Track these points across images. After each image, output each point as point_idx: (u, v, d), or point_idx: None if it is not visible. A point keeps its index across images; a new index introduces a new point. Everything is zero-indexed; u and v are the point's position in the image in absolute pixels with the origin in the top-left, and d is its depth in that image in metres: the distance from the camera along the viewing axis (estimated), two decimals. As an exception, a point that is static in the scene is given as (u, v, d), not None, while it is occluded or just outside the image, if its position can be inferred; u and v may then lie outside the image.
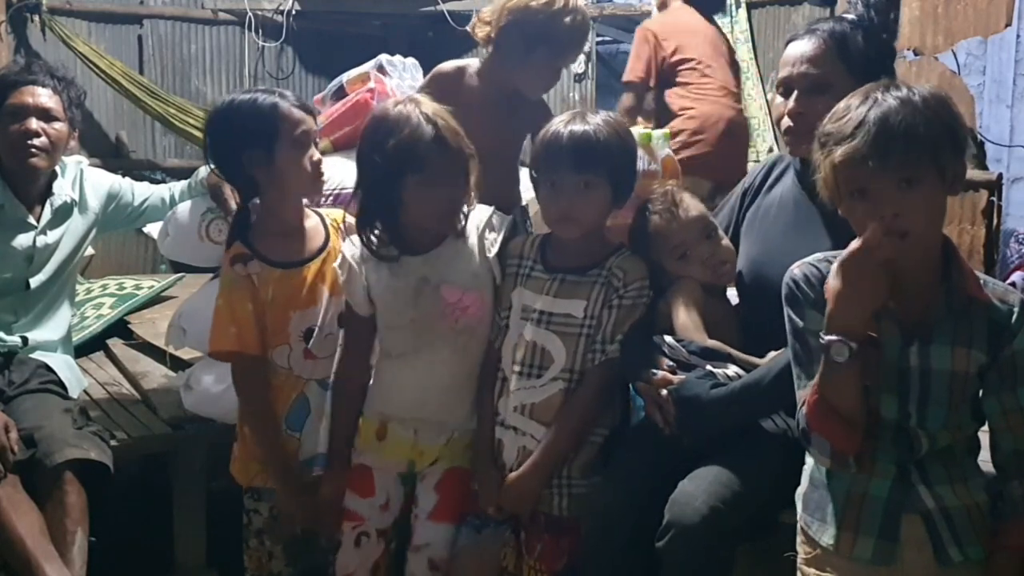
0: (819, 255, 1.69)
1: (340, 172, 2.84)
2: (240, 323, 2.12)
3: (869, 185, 1.51)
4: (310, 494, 2.14)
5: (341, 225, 2.23)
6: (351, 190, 2.76)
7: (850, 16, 2.07)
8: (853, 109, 1.52)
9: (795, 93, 1.99)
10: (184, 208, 2.68)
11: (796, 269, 1.68)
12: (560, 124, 2.04)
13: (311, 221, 2.22)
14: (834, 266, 1.56)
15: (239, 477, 2.26)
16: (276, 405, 2.17)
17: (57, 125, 2.64)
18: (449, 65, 2.44)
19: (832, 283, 1.56)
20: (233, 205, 2.53)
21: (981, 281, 1.62)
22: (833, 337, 1.53)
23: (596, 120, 2.03)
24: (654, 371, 1.98)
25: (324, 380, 2.20)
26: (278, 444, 2.16)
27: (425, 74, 2.69)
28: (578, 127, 2.01)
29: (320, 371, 2.19)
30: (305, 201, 2.28)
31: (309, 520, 2.17)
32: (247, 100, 2.12)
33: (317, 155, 2.14)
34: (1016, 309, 1.59)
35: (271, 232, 2.17)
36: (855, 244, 1.52)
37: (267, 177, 2.11)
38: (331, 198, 2.79)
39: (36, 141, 2.59)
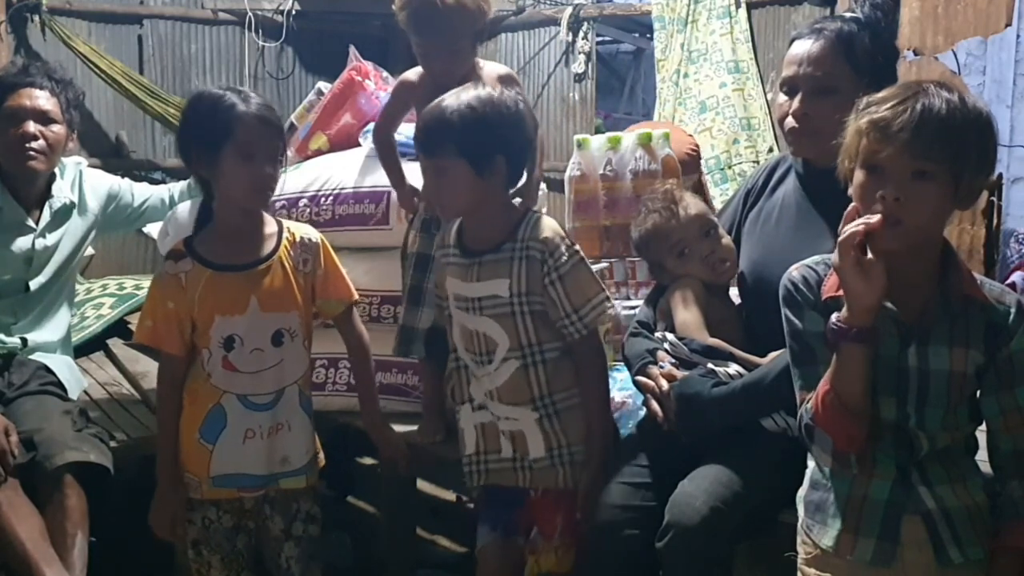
0: (817, 257, 1.69)
1: (339, 172, 2.84)
2: (157, 319, 2.09)
3: (885, 163, 1.51)
4: (178, 510, 2.14)
5: (296, 241, 2.15)
6: (351, 190, 2.77)
7: (857, 16, 2.05)
8: (901, 91, 1.53)
9: (800, 94, 1.98)
10: (184, 208, 2.68)
11: (794, 271, 1.69)
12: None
13: (268, 229, 2.15)
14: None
15: None
16: (192, 409, 2.11)
17: (55, 127, 2.64)
18: (408, 73, 2.51)
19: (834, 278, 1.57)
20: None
21: (978, 282, 1.62)
22: (836, 320, 1.54)
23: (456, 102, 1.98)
24: (656, 366, 1.98)
25: (248, 397, 2.09)
26: (168, 448, 2.12)
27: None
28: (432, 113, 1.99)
29: (242, 386, 2.08)
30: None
31: (160, 532, 2.17)
32: (213, 95, 2.06)
33: (268, 170, 2.05)
34: (1013, 310, 1.59)
35: (216, 233, 2.12)
36: (842, 238, 1.52)
37: (212, 178, 2.07)
38: (330, 198, 2.80)
39: (34, 144, 2.58)
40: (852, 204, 1.55)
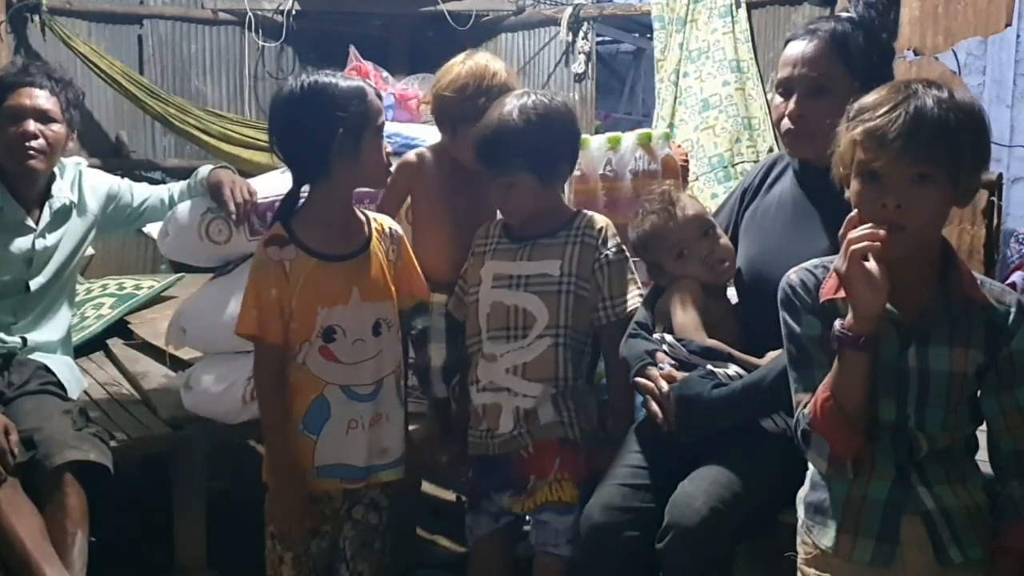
0: (816, 260, 1.69)
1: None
2: (262, 307, 2.04)
3: (883, 170, 1.50)
4: (303, 503, 2.07)
5: (385, 231, 2.17)
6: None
7: (851, 15, 2.05)
8: (889, 94, 1.52)
9: (795, 95, 1.99)
10: (184, 208, 2.67)
11: (793, 275, 1.68)
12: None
13: (357, 219, 2.15)
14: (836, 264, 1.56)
15: (264, 475, 2.14)
16: (294, 402, 2.07)
17: (55, 127, 2.63)
18: (410, 154, 2.52)
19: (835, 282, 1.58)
20: (233, 206, 2.53)
21: (979, 282, 1.62)
22: (840, 328, 1.54)
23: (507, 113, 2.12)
24: (656, 367, 1.99)
25: (351, 387, 2.08)
26: (280, 441, 2.07)
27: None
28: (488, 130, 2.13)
29: (343, 377, 2.07)
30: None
31: (283, 528, 2.09)
32: (334, 83, 2.03)
33: (389, 147, 2.12)
34: (1013, 310, 1.59)
35: (315, 221, 2.08)
36: (847, 245, 1.52)
37: (346, 163, 2.02)
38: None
39: (34, 143, 2.58)
40: (854, 212, 1.55)
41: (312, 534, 2.12)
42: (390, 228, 2.20)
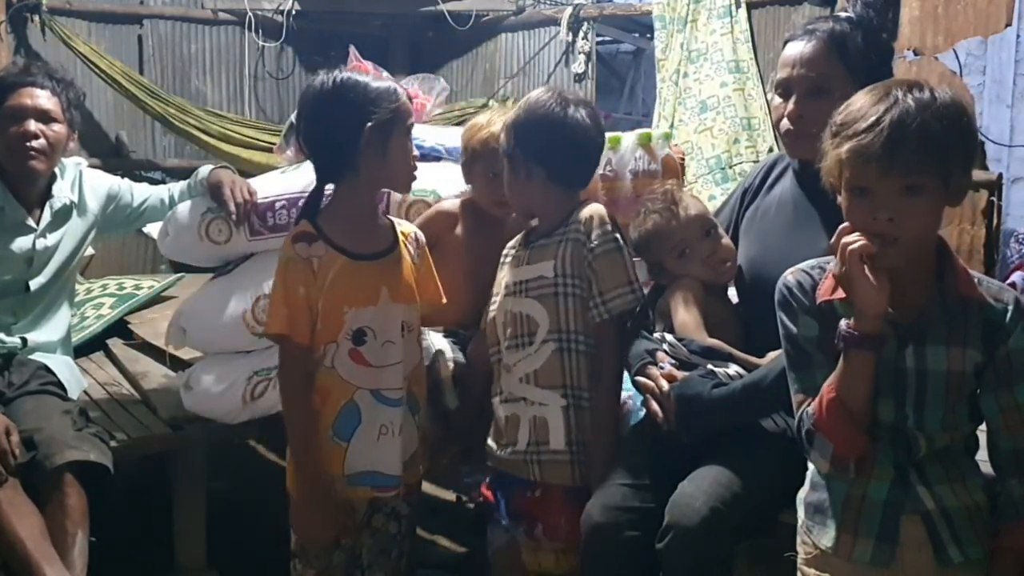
0: (812, 261, 1.69)
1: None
2: (292, 305, 1.98)
3: (872, 185, 1.50)
4: (328, 509, 2.02)
5: (409, 235, 2.16)
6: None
7: (849, 15, 2.05)
8: (870, 105, 1.50)
9: (795, 96, 1.99)
10: (184, 208, 2.67)
11: (789, 276, 1.68)
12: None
13: (383, 221, 2.15)
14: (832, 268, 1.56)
15: (289, 487, 2.09)
16: (324, 408, 2.02)
17: (56, 127, 2.63)
18: (445, 203, 2.57)
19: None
20: (233, 206, 2.53)
21: (975, 280, 1.61)
22: (846, 328, 1.54)
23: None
24: (657, 367, 1.99)
25: (381, 392, 2.04)
26: (305, 446, 2.01)
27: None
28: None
29: (374, 381, 2.03)
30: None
31: (308, 536, 2.06)
32: (366, 80, 2.03)
33: (416, 152, 2.11)
34: (1011, 307, 1.58)
35: (343, 219, 2.05)
36: (843, 248, 1.51)
37: (373, 160, 2.00)
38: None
39: (35, 143, 2.58)
40: (846, 224, 1.54)
41: (335, 546, 2.08)
42: (414, 232, 2.19)
